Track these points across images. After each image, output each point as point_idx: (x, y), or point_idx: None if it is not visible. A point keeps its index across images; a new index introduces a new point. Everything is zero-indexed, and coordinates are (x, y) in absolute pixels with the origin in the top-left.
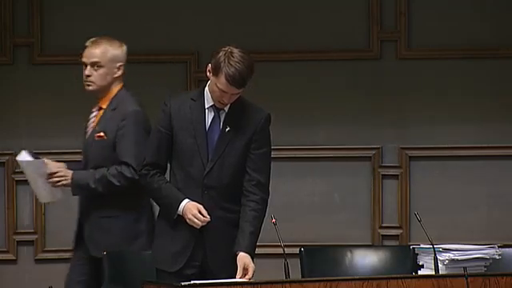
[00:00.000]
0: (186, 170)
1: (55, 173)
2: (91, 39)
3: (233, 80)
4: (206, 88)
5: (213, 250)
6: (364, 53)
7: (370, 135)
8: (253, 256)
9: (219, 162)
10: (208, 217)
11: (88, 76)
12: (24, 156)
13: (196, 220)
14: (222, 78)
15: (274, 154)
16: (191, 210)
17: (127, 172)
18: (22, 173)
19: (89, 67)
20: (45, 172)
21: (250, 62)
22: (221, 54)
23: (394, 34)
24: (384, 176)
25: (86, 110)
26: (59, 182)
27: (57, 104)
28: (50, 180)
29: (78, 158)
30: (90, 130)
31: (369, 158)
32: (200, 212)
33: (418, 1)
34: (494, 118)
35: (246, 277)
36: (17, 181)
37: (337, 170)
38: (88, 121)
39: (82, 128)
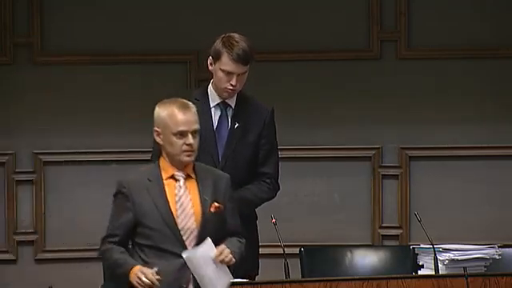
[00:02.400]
0: None
1: (220, 251)
2: (178, 105)
3: (238, 56)
4: (210, 86)
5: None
6: (364, 53)
7: (370, 135)
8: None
9: (232, 158)
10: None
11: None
12: (191, 252)
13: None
14: (227, 59)
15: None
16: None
17: None
18: (21, 173)
19: (190, 136)
20: (211, 255)
21: (250, 42)
22: (219, 40)
23: (394, 34)
24: (384, 176)
25: (85, 109)
26: (229, 256)
27: (57, 104)
28: (221, 258)
29: (78, 157)
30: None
31: (369, 158)
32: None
33: (418, 1)
34: (494, 118)
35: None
36: (17, 181)
37: (337, 170)
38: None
39: (82, 127)
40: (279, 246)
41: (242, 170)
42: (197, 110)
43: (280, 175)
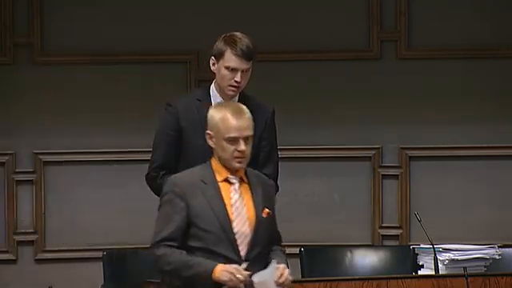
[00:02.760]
0: None
1: (281, 272)
2: (232, 109)
3: (242, 52)
4: (212, 86)
5: None
6: (364, 53)
7: (370, 135)
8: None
9: None
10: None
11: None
12: (260, 276)
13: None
14: (230, 55)
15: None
16: None
17: None
18: (21, 173)
19: (242, 142)
20: (274, 278)
21: (252, 39)
22: (220, 39)
23: (394, 34)
24: (384, 176)
25: (85, 109)
26: (289, 278)
27: (57, 104)
28: (282, 280)
29: (78, 157)
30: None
31: (369, 158)
32: None
33: (418, 1)
34: (494, 118)
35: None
36: (17, 181)
37: (337, 170)
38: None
39: (82, 127)
40: None
41: None
42: (197, 111)
43: (280, 175)
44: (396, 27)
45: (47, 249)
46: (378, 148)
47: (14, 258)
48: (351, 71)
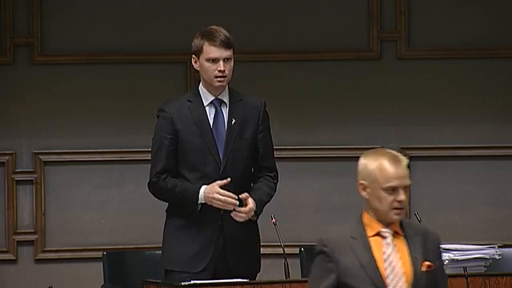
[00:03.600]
0: (200, 170)
1: None
2: (389, 157)
3: (219, 41)
4: (200, 86)
5: (232, 244)
6: (364, 53)
7: (369, 135)
8: (257, 212)
9: (232, 156)
10: (228, 194)
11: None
12: None
13: (221, 199)
14: (209, 46)
15: (275, 154)
16: (211, 193)
17: None
18: (21, 173)
19: (402, 191)
20: None
21: (227, 31)
22: (197, 35)
23: (394, 34)
24: None
25: (85, 110)
26: None
27: (57, 104)
28: None
29: (78, 157)
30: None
31: None
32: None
33: (418, 1)
34: (493, 118)
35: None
36: (17, 181)
37: (337, 170)
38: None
39: (82, 127)
40: (279, 246)
41: (241, 166)
42: (190, 111)
43: (281, 175)
44: (396, 27)
45: (47, 249)
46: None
47: (13, 258)
48: (351, 71)
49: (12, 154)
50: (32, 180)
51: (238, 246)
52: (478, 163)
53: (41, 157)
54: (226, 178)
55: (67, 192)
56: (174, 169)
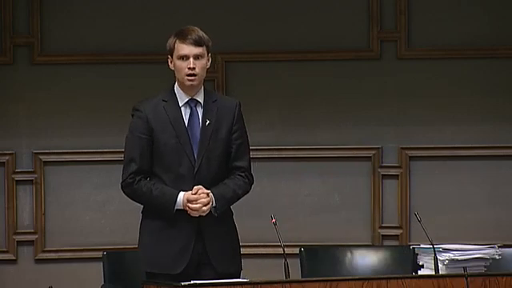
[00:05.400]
0: (174, 170)
1: None
2: None
3: (189, 38)
4: (175, 86)
5: (212, 243)
6: (364, 53)
7: (370, 135)
8: (217, 207)
9: (206, 156)
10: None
11: None
12: None
13: (198, 209)
14: (179, 44)
15: (274, 154)
16: (188, 201)
17: None
18: (21, 173)
19: None
20: None
21: (203, 31)
22: (171, 36)
23: (394, 34)
24: (384, 176)
25: (85, 110)
26: None
27: (57, 104)
28: None
29: (78, 157)
30: None
31: (369, 158)
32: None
33: (418, 1)
34: (493, 118)
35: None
36: (17, 181)
37: (337, 170)
38: None
39: (82, 127)
40: (279, 246)
41: (215, 166)
42: (165, 111)
43: (281, 175)
44: (396, 27)
45: (47, 249)
46: (378, 148)
47: (14, 258)
48: (351, 71)
49: (12, 154)
50: (32, 180)
51: (218, 243)
52: (478, 163)
53: (41, 157)
54: (200, 178)
55: (67, 192)
56: (148, 169)
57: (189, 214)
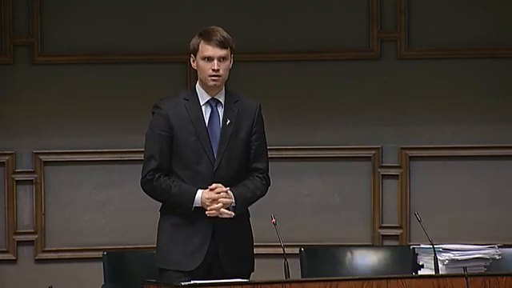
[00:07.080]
0: (193, 168)
1: None
2: None
3: (215, 39)
4: (197, 85)
5: (224, 243)
6: (364, 53)
7: (370, 135)
8: (237, 207)
9: (226, 155)
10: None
11: None
12: None
13: (215, 208)
14: (204, 45)
15: (274, 154)
16: (207, 200)
17: None
18: (21, 173)
19: None
20: None
21: (227, 32)
22: (195, 35)
23: (394, 34)
24: (384, 176)
25: (85, 110)
26: None
27: (57, 104)
28: None
29: (78, 157)
30: None
31: (369, 158)
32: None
33: (418, 1)
34: (493, 118)
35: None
36: (17, 181)
37: (337, 170)
38: None
39: (82, 127)
40: (279, 246)
41: (235, 166)
42: (186, 110)
43: (281, 175)
44: (396, 27)
45: (47, 249)
46: (378, 148)
47: (14, 258)
48: (351, 71)
49: (12, 154)
50: (32, 180)
51: (230, 244)
52: (478, 163)
53: (41, 157)
54: (219, 177)
55: (67, 192)
56: (168, 166)
57: (205, 214)
